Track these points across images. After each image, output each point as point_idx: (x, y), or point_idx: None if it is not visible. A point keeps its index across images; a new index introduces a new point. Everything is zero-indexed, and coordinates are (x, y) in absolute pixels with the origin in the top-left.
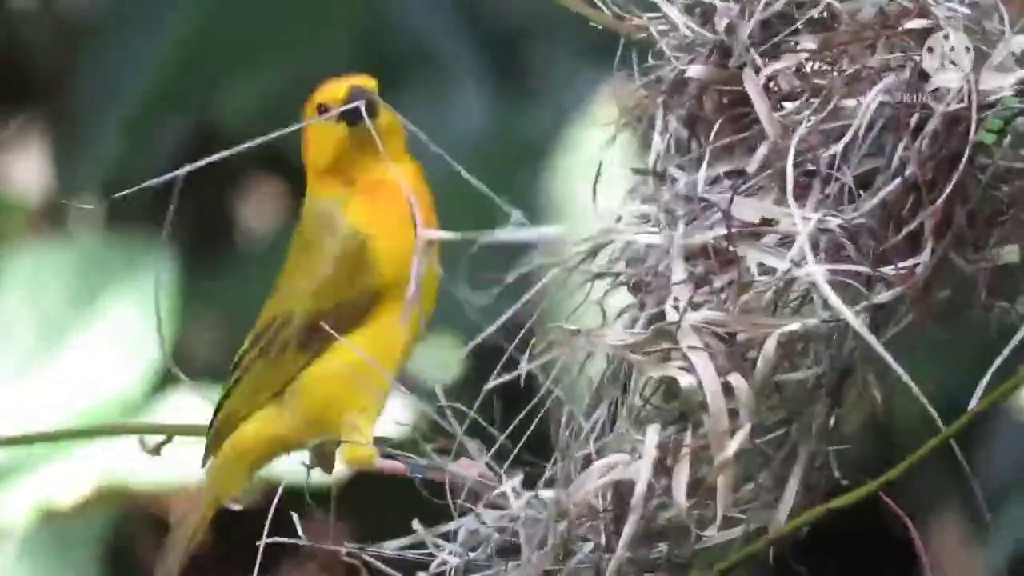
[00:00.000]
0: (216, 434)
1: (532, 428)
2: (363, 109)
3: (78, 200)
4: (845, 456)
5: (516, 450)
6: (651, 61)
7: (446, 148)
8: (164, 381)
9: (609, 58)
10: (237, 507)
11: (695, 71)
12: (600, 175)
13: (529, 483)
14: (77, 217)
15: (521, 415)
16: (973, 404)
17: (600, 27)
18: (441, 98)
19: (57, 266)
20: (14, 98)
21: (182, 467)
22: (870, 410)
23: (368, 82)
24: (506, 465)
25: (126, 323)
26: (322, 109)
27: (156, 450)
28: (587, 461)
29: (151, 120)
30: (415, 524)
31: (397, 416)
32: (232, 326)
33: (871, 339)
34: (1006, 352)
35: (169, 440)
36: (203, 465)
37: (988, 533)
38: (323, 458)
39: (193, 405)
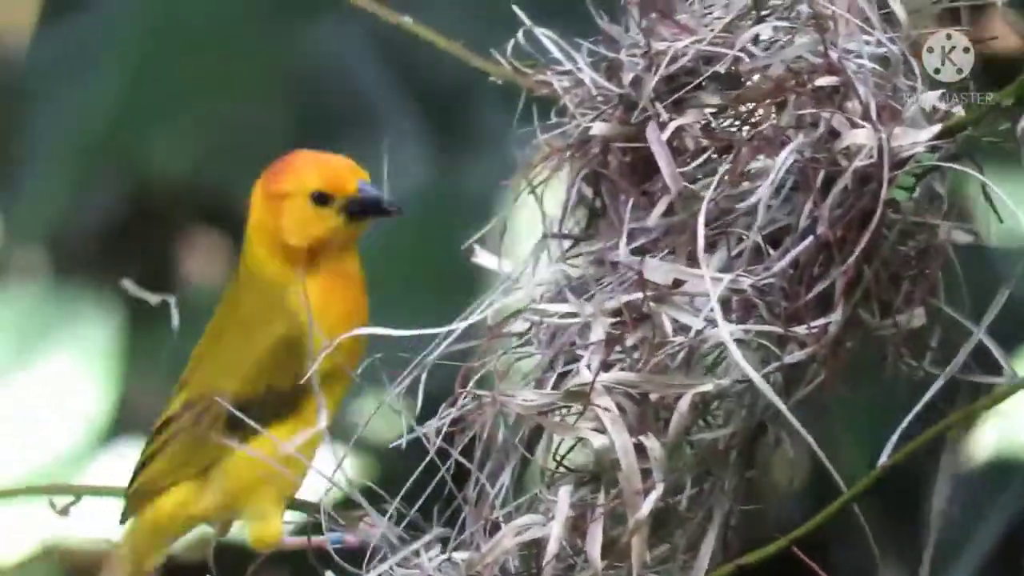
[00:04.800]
0: (136, 493)
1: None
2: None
3: (22, 252)
4: (784, 515)
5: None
6: (555, 118)
7: None
8: (107, 435)
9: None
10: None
11: (600, 128)
12: (504, 236)
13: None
14: (20, 268)
15: (433, 483)
16: (882, 461)
17: (499, 81)
18: (379, 154)
19: None
20: None
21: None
22: (788, 469)
23: (363, 173)
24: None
25: (68, 376)
26: (319, 196)
27: (65, 511)
28: (494, 524)
29: (88, 173)
30: None
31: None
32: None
33: (776, 400)
34: (914, 411)
35: (78, 500)
36: (122, 522)
37: None
38: (223, 524)
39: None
